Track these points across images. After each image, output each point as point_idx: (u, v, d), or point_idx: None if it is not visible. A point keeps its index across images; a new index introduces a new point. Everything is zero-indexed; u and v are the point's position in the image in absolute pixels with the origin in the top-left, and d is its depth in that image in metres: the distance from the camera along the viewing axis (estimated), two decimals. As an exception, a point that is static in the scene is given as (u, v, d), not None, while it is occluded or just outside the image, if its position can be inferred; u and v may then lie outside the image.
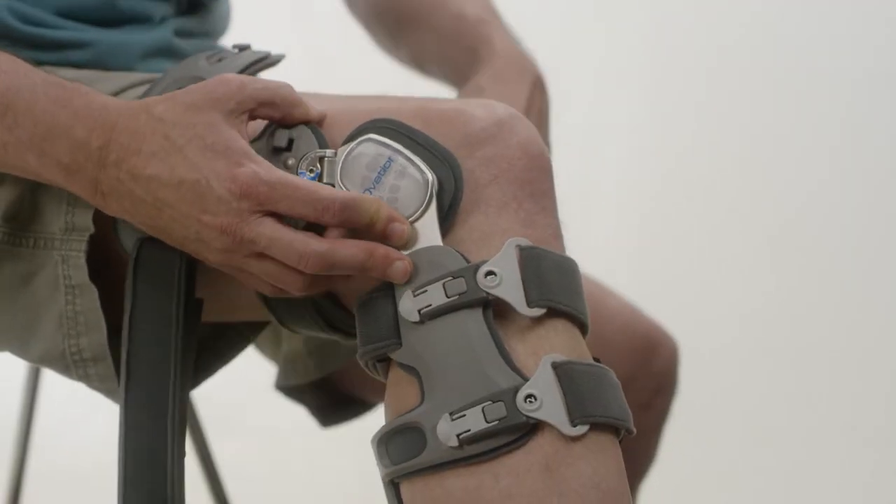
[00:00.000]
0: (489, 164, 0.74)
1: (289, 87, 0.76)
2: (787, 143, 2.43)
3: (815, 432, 2.06)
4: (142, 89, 0.84)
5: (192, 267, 0.80)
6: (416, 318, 0.70)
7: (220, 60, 0.84)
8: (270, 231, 0.72)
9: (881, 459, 2.01)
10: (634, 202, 2.43)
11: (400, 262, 0.72)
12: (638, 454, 1.12)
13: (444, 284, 0.70)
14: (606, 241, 2.32)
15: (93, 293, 0.81)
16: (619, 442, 0.72)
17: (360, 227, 0.72)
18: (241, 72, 0.82)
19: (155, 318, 0.78)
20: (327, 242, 0.72)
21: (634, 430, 0.72)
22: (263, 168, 0.72)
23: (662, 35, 2.50)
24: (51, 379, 1.36)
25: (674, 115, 2.47)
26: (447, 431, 0.69)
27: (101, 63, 0.91)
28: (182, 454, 0.79)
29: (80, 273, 0.81)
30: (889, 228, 2.36)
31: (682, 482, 1.86)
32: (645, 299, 1.27)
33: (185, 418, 0.79)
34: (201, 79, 0.80)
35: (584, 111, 2.48)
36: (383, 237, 0.72)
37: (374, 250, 0.72)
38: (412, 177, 0.72)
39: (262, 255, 0.73)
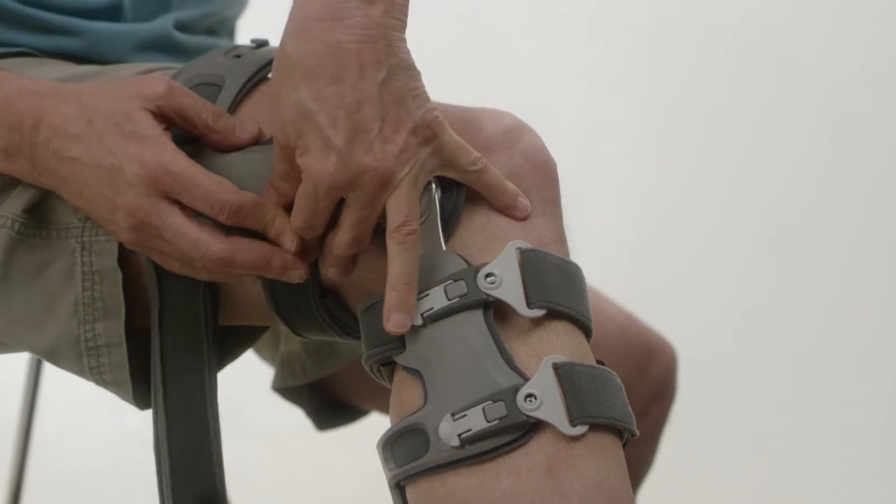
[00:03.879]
0: None
1: (216, 113, 0.78)
2: (784, 144, 2.43)
3: (814, 436, 2.06)
4: None
5: None
6: (419, 321, 0.71)
7: (237, 57, 0.84)
8: (176, 224, 0.75)
9: (880, 464, 2.01)
10: (632, 204, 2.44)
11: (295, 271, 0.76)
12: (634, 461, 1.12)
13: (445, 287, 0.71)
14: (604, 243, 2.32)
15: (116, 277, 0.81)
16: (623, 444, 0.72)
17: (254, 229, 0.76)
18: (260, 70, 0.82)
19: (184, 314, 0.80)
20: (229, 245, 0.75)
21: (637, 433, 0.73)
22: (171, 156, 0.75)
23: (660, 36, 2.51)
24: (51, 383, 1.36)
25: (671, 117, 2.48)
26: (449, 432, 0.69)
27: (93, 52, 0.91)
28: (220, 443, 0.80)
29: (105, 258, 0.81)
30: (888, 230, 2.36)
31: (680, 487, 1.86)
32: (642, 301, 1.27)
33: (217, 408, 0.81)
34: (220, 76, 0.82)
35: (582, 112, 2.49)
36: (275, 242, 0.76)
37: (271, 258, 0.75)
38: None
39: (166, 243, 0.76)
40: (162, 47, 0.96)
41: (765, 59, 2.46)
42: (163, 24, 0.95)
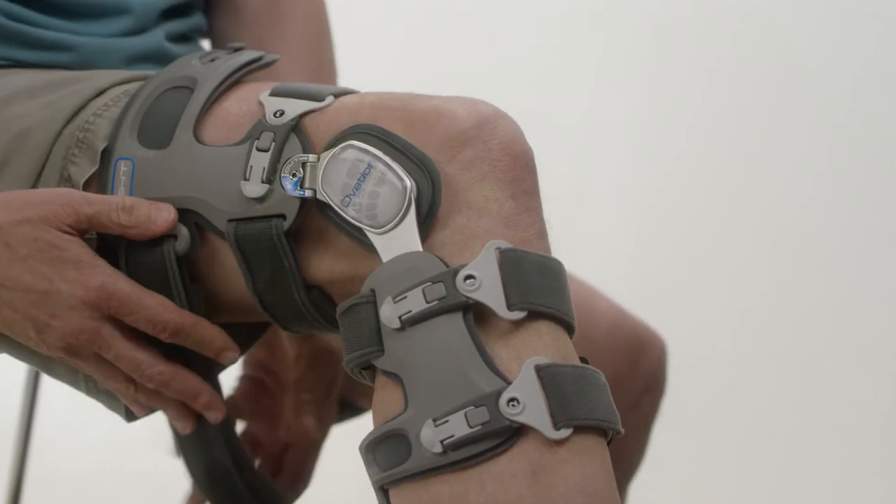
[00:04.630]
0: (470, 167, 0.73)
1: (126, 208, 0.78)
2: (785, 145, 2.42)
3: (813, 436, 2.05)
4: (129, 87, 0.84)
5: (180, 264, 0.80)
6: (398, 324, 0.70)
7: (213, 61, 0.84)
8: (119, 347, 0.78)
9: (879, 463, 2.01)
10: (632, 204, 2.43)
11: (215, 412, 0.83)
12: (626, 453, 1.12)
13: (423, 290, 0.70)
14: (604, 243, 2.32)
15: None
16: (609, 443, 0.72)
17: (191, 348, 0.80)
18: (235, 72, 0.82)
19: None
20: (169, 369, 0.80)
21: (622, 431, 0.72)
22: (112, 279, 0.77)
23: (660, 37, 2.50)
24: (51, 383, 1.37)
25: (672, 118, 2.47)
26: (431, 438, 0.68)
27: (84, 65, 0.91)
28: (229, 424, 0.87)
29: None
30: (888, 232, 2.36)
31: (679, 487, 1.86)
32: (642, 301, 1.27)
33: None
34: (193, 79, 0.81)
35: (582, 112, 2.48)
36: (216, 359, 0.81)
37: (200, 394, 0.82)
38: (391, 183, 0.72)
39: (100, 359, 0.79)
40: (155, 59, 0.96)
41: (765, 61, 2.45)
42: (154, 36, 0.96)
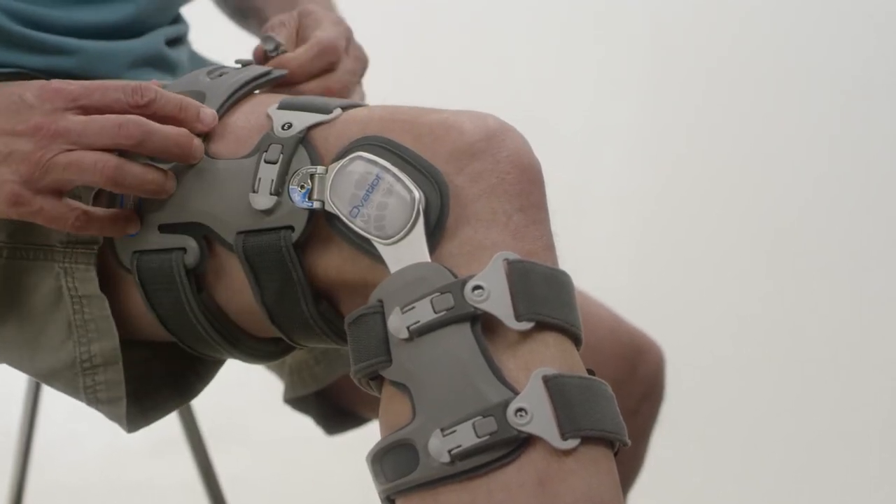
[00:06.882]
0: (478, 180, 0.74)
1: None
2: (785, 150, 2.43)
3: (813, 442, 2.06)
4: None
5: (189, 276, 0.80)
6: (406, 334, 0.70)
7: (221, 75, 0.84)
8: (83, 120, 0.76)
9: (879, 469, 2.01)
10: (632, 210, 2.43)
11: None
12: (626, 460, 1.12)
13: (431, 300, 0.70)
14: (604, 249, 2.32)
15: (103, 303, 0.81)
16: (615, 454, 0.72)
17: (169, 113, 0.78)
18: (242, 87, 0.83)
19: (180, 321, 0.80)
20: (143, 118, 0.77)
21: (629, 442, 0.72)
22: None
23: (660, 42, 2.50)
24: (51, 394, 1.37)
25: (672, 123, 2.48)
26: (439, 447, 0.69)
27: (88, 71, 0.91)
28: None
29: (88, 285, 0.81)
30: (888, 236, 2.36)
31: (680, 494, 1.86)
32: (642, 307, 1.28)
33: None
34: (202, 94, 0.82)
35: (583, 117, 2.48)
36: (195, 124, 0.79)
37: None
38: (399, 195, 0.73)
39: (57, 194, 0.77)
40: (154, 63, 0.96)
41: (764, 66, 2.46)
42: (155, 40, 0.96)
